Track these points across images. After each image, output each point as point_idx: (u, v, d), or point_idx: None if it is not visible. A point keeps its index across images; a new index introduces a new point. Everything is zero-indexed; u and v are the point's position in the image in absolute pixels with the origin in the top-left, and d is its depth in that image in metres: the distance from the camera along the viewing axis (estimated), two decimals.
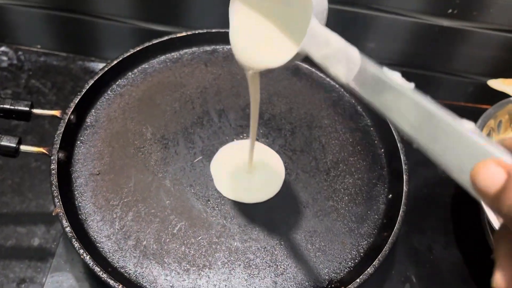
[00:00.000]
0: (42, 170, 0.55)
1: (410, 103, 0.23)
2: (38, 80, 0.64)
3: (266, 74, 0.57)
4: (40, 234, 0.50)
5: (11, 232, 0.50)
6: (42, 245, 0.49)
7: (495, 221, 0.46)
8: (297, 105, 0.54)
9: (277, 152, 0.51)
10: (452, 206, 0.57)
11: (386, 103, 0.24)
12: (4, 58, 0.66)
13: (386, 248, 0.42)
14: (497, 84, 0.56)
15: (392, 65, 0.69)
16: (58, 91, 0.63)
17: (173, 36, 0.55)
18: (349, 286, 0.40)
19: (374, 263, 0.41)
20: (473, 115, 0.53)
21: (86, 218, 0.44)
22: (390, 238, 0.43)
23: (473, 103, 0.68)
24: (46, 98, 0.62)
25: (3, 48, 0.66)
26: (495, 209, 0.19)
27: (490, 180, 0.19)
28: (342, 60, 0.27)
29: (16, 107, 0.45)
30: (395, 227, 0.44)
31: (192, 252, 0.43)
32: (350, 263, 0.44)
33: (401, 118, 0.23)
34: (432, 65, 0.70)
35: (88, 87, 0.49)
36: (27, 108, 0.46)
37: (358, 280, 0.40)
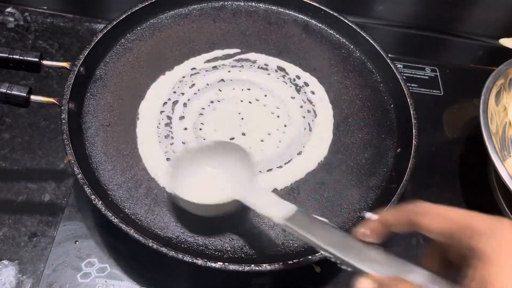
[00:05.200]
0: (51, 129, 0.55)
1: (334, 232, 0.33)
2: (45, 41, 0.64)
3: (276, 31, 0.56)
4: (51, 190, 0.50)
5: (22, 188, 0.50)
6: (53, 201, 0.49)
7: (506, 177, 0.45)
8: (307, 61, 0.54)
9: None
10: (460, 164, 0.57)
11: (315, 234, 0.33)
12: (11, 19, 0.65)
13: (394, 199, 0.43)
14: (508, 42, 0.56)
15: (401, 27, 0.69)
16: (65, 52, 0.63)
17: None
18: None
19: None
20: (483, 77, 0.53)
21: (97, 167, 0.44)
22: (399, 189, 0.43)
23: (483, 65, 0.67)
24: (53, 59, 0.62)
25: (9, 9, 0.66)
26: None
27: None
28: (275, 206, 0.36)
29: (25, 58, 0.45)
30: (404, 179, 0.44)
31: None
32: (358, 214, 0.44)
33: (327, 242, 0.31)
34: (441, 27, 0.69)
35: (97, 40, 0.49)
36: (36, 59, 0.46)
37: None
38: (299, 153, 0.47)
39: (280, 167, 0.46)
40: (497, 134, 0.51)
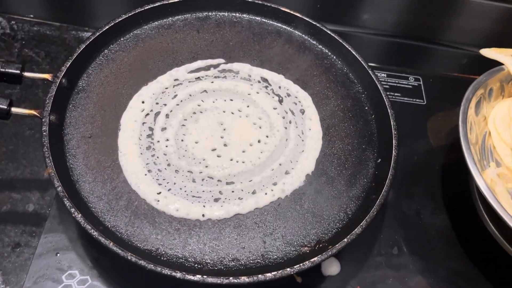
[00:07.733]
0: (36, 138, 0.55)
1: None
2: (31, 49, 0.64)
3: (259, 42, 0.57)
4: (35, 200, 0.50)
5: (5, 198, 0.50)
6: (37, 211, 0.49)
7: (483, 187, 0.46)
8: (289, 71, 0.55)
9: None
10: (442, 174, 0.58)
11: None
12: None
13: (373, 210, 0.43)
14: (489, 52, 0.56)
15: (386, 36, 0.70)
16: (51, 60, 0.63)
17: (166, 2, 0.55)
18: (337, 245, 0.41)
19: (361, 224, 0.42)
20: (466, 86, 0.54)
21: (78, 179, 0.44)
22: (378, 200, 0.44)
23: (467, 75, 0.68)
24: (39, 67, 0.62)
25: None
26: None
27: None
28: None
29: (6, 70, 0.45)
30: (383, 190, 0.45)
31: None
32: (338, 224, 0.45)
33: None
34: (425, 37, 0.70)
35: (79, 52, 0.49)
36: (18, 71, 0.46)
37: (345, 239, 0.41)
38: (280, 164, 0.48)
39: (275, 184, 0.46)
40: (477, 144, 0.52)
